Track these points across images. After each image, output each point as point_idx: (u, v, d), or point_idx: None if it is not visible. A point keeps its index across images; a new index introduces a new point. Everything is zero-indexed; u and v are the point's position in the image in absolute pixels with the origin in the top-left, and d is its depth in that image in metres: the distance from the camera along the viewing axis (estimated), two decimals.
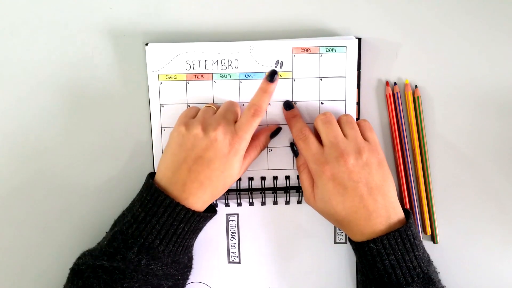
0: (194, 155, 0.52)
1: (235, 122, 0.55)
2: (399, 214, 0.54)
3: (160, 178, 0.53)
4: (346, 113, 0.59)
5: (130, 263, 0.51)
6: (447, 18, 0.59)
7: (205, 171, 0.52)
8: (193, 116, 0.55)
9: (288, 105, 0.58)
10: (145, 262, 0.51)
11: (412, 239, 0.52)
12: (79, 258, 0.53)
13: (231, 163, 0.53)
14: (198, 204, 0.53)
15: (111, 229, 0.54)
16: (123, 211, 0.54)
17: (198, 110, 0.56)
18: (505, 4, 0.59)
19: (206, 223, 0.56)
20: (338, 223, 0.54)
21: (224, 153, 0.53)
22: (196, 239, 0.59)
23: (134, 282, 0.50)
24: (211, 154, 0.52)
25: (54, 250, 0.60)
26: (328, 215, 0.55)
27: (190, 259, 0.57)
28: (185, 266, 0.56)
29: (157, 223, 0.51)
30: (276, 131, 0.58)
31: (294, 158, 0.59)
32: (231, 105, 0.56)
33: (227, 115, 0.54)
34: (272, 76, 0.57)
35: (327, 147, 0.54)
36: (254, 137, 0.56)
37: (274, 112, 0.59)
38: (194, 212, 0.53)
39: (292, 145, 0.59)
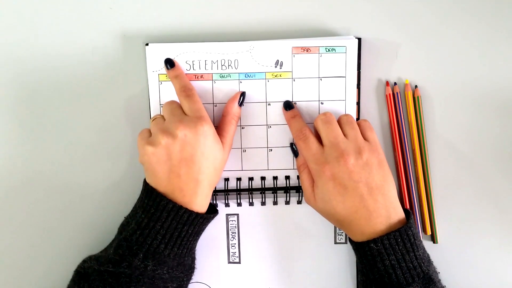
0: (175, 161, 0.52)
1: (184, 114, 0.55)
2: (399, 214, 0.53)
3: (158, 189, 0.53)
4: (346, 113, 0.59)
5: (136, 269, 0.51)
6: (447, 18, 0.59)
7: (193, 168, 0.52)
8: (148, 135, 0.55)
9: (288, 105, 0.58)
10: (152, 267, 0.51)
11: (413, 239, 0.52)
12: (84, 262, 0.53)
13: (209, 146, 0.53)
14: (202, 202, 0.53)
15: (117, 236, 0.54)
16: (127, 218, 0.54)
17: (148, 130, 0.56)
18: (505, 4, 0.59)
19: (208, 224, 0.56)
20: (339, 223, 0.54)
21: (198, 141, 0.52)
22: None
23: (140, 286, 0.51)
24: (188, 150, 0.52)
25: (54, 251, 0.60)
26: (329, 215, 0.55)
27: (193, 259, 0.57)
28: (190, 267, 0.56)
29: (161, 228, 0.51)
30: (242, 97, 0.58)
31: (294, 158, 0.59)
32: (170, 104, 0.56)
33: (175, 112, 0.54)
34: (169, 63, 0.57)
35: (327, 147, 0.54)
36: (224, 112, 0.57)
37: (274, 112, 0.59)
38: (198, 214, 0.53)
39: (292, 145, 0.59)
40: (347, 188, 0.52)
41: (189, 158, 0.52)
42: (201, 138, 0.53)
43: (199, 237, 0.56)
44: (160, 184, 0.53)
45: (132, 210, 0.55)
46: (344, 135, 0.54)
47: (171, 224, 0.52)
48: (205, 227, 0.56)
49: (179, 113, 0.54)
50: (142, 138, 0.54)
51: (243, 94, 0.58)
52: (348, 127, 0.55)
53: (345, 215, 0.53)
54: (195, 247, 0.56)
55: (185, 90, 0.55)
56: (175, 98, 0.58)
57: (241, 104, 0.58)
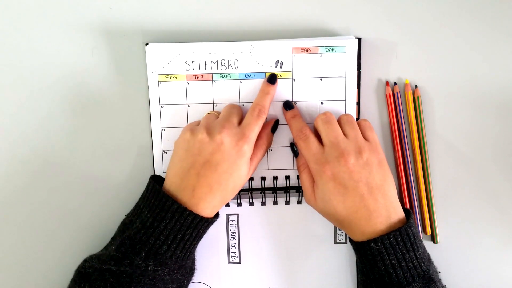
0: (202, 160, 0.52)
1: (239, 124, 0.55)
2: (400, 214, 0.53)
3: (169, 185, 0.53)
4: (346, 113, 0.59)
5: (137, 268, 0.51)
6: (447, 18, 0.59)
7: (213, 175, 0.52)
8: (196, 125, 0.56)
9: (288, 105, 0.58)
10: (152, 268, 0.51)
11: (413, 239, 0.52)
12: (85, 261, 0.53)
13: (239, 165, 0.53)
14: (208, 209, 0.53)
15: (120, 234, 0.53)
16: (130, 216, 0.54)
17: (200, 121, 0.57)
18: (504, 4, 0.59)
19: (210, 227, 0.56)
20: (339, 223, 0.54)
21: (231, 155, 0.52)
22: None
23: (141, 286, 0.51)
24: (218, 157, 0.52)
25: (56, 250, 0.60)
26: (329, 215, 0.55)
27: (193, 261, 0.57)
28: (190, 269, 0.56)
29: (164, 229, 0.51)
30: (275, 125, 0.58)
31: (294, 158, 0.59)
32: (232, 107, 0.56)
33: (230, 118, 0.54)
34: (272, 78, 0.57)
35: (328, 147, 0.54)
36: (257, 137, 0.56)
37: (274, 112, 0.59)
38: (202, 217, 0.52)
39: (292, 145, 0.59)
40: (347, 188, 0.52)
41: (214, 164, 0.52)
42: (236, 153, 0.53)
43: (200, 240, 0.56)
44: (176, 174, 0.53)
45: (134, 209, 0.54)
46: (345, 135, 0.54)
47: (175, 226, 0.52)
48: (207, 231, 0.56)
49: (234, 120, 0.55)
50: (189, 124, 0.56)
51: (277, 123, 0.58)
52: (348, 127, 0.55)
53: (345, 215, 0.53)
54: (195, 249, 0.56)
55: (259, 110, 0.55)
56: (175, 98, 0.58)
57: (273, 131, 0.58)
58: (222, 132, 0.53)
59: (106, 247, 0.54)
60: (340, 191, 0.53)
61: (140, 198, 0.55)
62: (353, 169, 0.52)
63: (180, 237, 0.52)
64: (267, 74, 0.58)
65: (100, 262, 0.51)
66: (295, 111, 0.58)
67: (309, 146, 0.55)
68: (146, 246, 0.51)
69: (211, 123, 0.54)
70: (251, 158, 0.55)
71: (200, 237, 0.55)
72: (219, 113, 0.57)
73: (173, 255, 0.52)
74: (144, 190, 0.55)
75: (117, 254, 0.51)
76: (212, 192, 0.52)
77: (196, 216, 0.52)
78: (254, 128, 0.54)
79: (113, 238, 0.54)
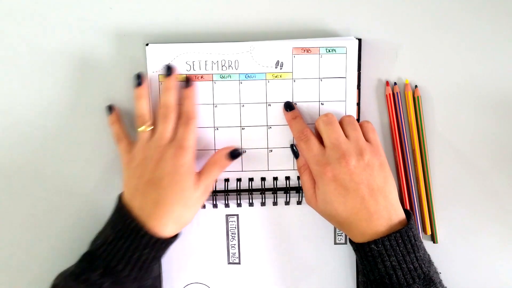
0: (145, 179, 0.53)
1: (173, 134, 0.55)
2: (400, 215, 0.54)
3: (127, 204, 0.54)
4: (348, 114, 0.59)
5: (93, 285, 0.50)
6: (447, 18, 0.59)
7: (157, 191, 0.52)
8: (128, 144, 0.57)
9: (289, 106, 0.58)
10: (108, 285, 0.50)
11: (413, 240, 0.52)
12: (56, 278, 0.52)
13: (181, 177, 0.53)
14: (165, 228, 0.52)
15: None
16: (98, 233, 0.54)
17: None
18: (504, 4, 0.59)
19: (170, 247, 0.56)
20: (339, 224, 0.54)
21: (171, 168, 0.53)
22: (196, 240, 0.60)
23: None
24: (158, 174, 0.53)
25: (54, 251, 0.60)
26: (330, 217, 0.55)
27: (156, 279, 0.56)
28: (152, 287, 0.56)
29: (122, 247, 0.51)
30: (234, 153, 0.56)
31: (294, 159, 0.59)
32: (164, 121, 0.56)
33: (164, 133, 0.55)
34: (168, 70, 0.57)
35: (329, 148, 0.54)
36: (212, 156, 0.56)
37: (274, 113, 0.59)
38: (158, 239, 0.52)
39: (293, 146, 0.59)
40: (348, 190, 0.52)
41: (157, 180, 0.52)
42: (175, 166, 0.53)
43: (160, 260, 0.55)
44: (126, 196, 0.54)
45: (104, 225, 0.55)
46: (346, 136, 0.54)
47: (132, 245, 0.51)
48: (167, 251, 0.55)
49: (166, 135, 0.55)
50: (125, 147, 0.56)
51: (237, 151, 0.56)
52: (350, 128, 0.55)
53: (346, 216, 0.53)
54: (157, 268, 0.56)
55: (186, 118, 0.55)
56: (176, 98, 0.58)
57: (234, 157, 0.56)
58: (157, 150, 0.53)
59: (74, 264, 0.54)
60: (341, 192, 0.53)
61: (110, 214, 0.55)
62: (354, 171, 0.52)
63: (136, 257, 0.51)
64: (268, 75, 0.58)
65: (64, 279, 0.51)
66: (296, 112, 0.58)
67: (310, 148, 0.55)
68: (104, 263, 0.51)
69: (147, 144, 0.55)
70: (202, 173, 0.55)
71: (159, 257, 0.54)
72: (151, 122, 0.56)
73: (130, 275, 0.51)
74: (114, 206, 0.55)
75: (77, 270, 0.51)
76: (159, 208, 0.52)
77: (151, 236, 0.51)
78: (187, 136, 0.54)
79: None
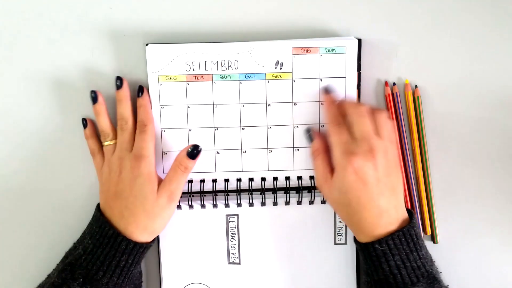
0: (111, 193, 0.54)
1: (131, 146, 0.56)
2: (404, 215, 0.54)
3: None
4: (380, 108, 0.57)
5: None
6: (447, 18, 0.59)
7: (122, 203, 0.54)
8: (102, 156, 0.58)
9: (329, 89, 0.57)
10: None
11: (416, 239, 0.52)
12: None
13: (140, 187, 0.54)
14: (141, 234, 0.54)
15: (63, 261, 0.54)
16: (75, 243, 0.55)
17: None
18: (504, 4, 0.59)
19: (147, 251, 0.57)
20: (348, 217, 0.54)
21: (130, 180, 0.54)
22: (196, 240, 0.60)
23: None
24: (121, 186, 0.54)
25: (52, 252, 0.60)
26: (341, 206, 0.54)
27: (137, 285, 0.57)
28: None
29: (101, 254, 0.52)
30: (192, 151, 0.56)
31: (308, 143, 0.58)
32: (123, 137, 0.57)
33: (123, 145, 0.56)
34: (119, 82, 0.57)
35: (359, 140, 0.53)
36: (174, 160, 0.56)
37: (273, 113, 0.59)
38: (136, 243, 0.53)
39: (309, 131, 0.58)
40: (367, 185, 0.52)
41: (119, 193, 0.54)
42: (133, 176, 0.54)
43: (139, 265, 0.57)
44: (101, 207, 0.56)
45: (81, 236, 0.55)
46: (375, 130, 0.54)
47: (110, 252, 0.52)
48: (145, 255, 0.57)
49: (126, 146, 0.56)
50: (98, 163, 0.58)
51: (195, 147, 0.56)
52: (381, 125, 0.54)
53: (357, 211, 0.52)
54: (137, 275, 0.57)
55: (140, 126, 0.56)
56: (176, 99, 0.58)
57: (193, 156, 0.56)
58: (117, 163, 0.55)
59: (48, 276, 0.55)
60: (359, 186, 0.52)
61: (87, 225, 0.56)
62: (377, 167, 0.52)
63: (115, 263, 0.52)
64: (268, 75, 0.58)
65: None
66: (335, 96, 0.57)
67: (341, 133, 0.54)
68: (84, 272, 0.52)
69: (112, 157, 0.56)
70: (164, 180, 0.55)
71: (137, 263, 0.55)
72: (112, 136, 0.57)
73: (109, 282, 0.52)
74: (92, 216, 0.56)
75: (58, 281, 0.52)
76: (124, 219, 0.53)
77: (129, 241, 0.53)
78: (144, 144, 0.55)
79: (56, 267, 0.55)
